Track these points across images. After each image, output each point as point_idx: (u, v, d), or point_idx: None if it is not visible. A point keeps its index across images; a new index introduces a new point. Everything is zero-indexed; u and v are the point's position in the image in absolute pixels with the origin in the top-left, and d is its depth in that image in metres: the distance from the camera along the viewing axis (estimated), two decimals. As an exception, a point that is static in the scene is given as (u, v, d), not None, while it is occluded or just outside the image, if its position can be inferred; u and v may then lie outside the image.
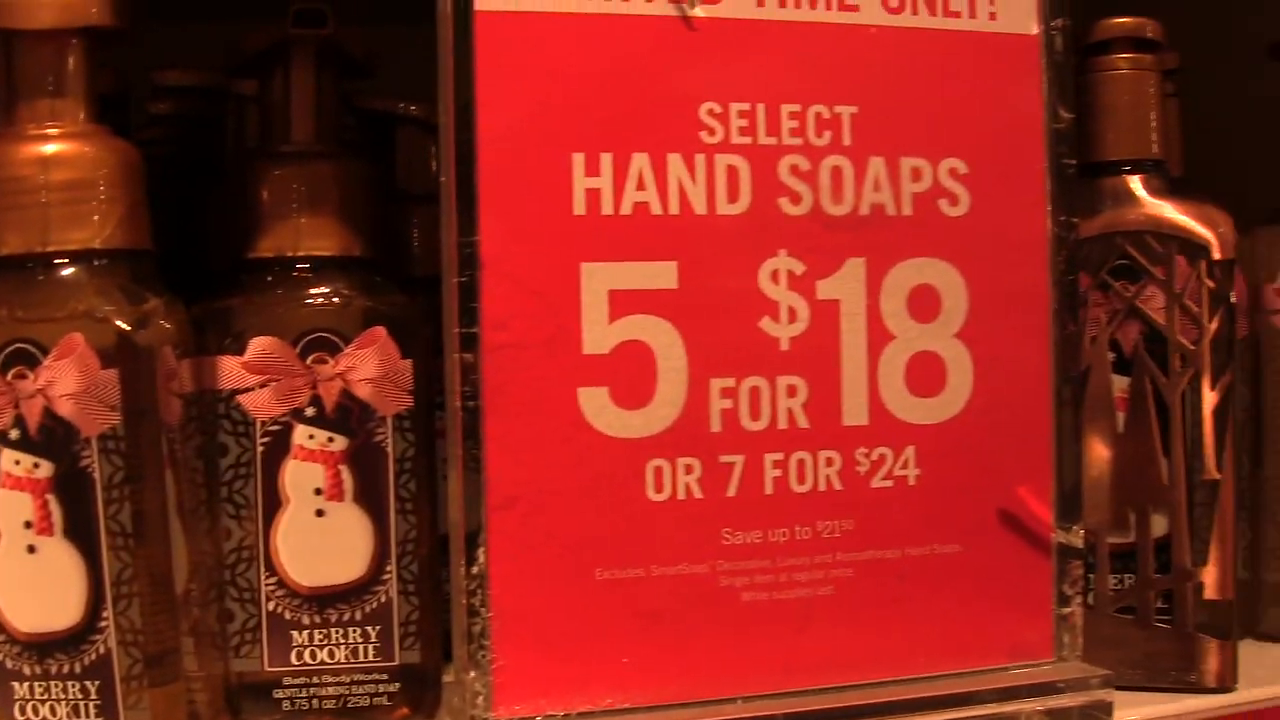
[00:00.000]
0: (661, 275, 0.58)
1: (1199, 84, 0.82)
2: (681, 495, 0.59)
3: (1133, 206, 0.69)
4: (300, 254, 0.62)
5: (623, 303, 0.58)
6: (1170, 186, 0.70)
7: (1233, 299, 0.67)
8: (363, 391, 0.61)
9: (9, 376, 0.54)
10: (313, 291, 0.62)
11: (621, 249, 0.58)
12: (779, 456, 0.60)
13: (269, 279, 0.62)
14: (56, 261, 0.55)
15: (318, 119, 0.63)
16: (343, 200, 0.62)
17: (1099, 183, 0.69)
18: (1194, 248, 0.67)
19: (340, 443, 0.61)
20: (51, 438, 0.54)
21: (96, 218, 0.55)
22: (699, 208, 0.58)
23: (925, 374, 0.62)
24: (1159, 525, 0.68)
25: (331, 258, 0.62)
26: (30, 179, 0.55)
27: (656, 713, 0.58)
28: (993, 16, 0.62)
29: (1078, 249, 0.66)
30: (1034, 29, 0.63)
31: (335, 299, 0.61)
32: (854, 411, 0.61)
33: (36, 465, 0.54)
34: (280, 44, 0.62)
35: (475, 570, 0.56)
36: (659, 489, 0.58)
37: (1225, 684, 0.67)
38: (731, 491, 0.59)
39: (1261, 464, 0.78)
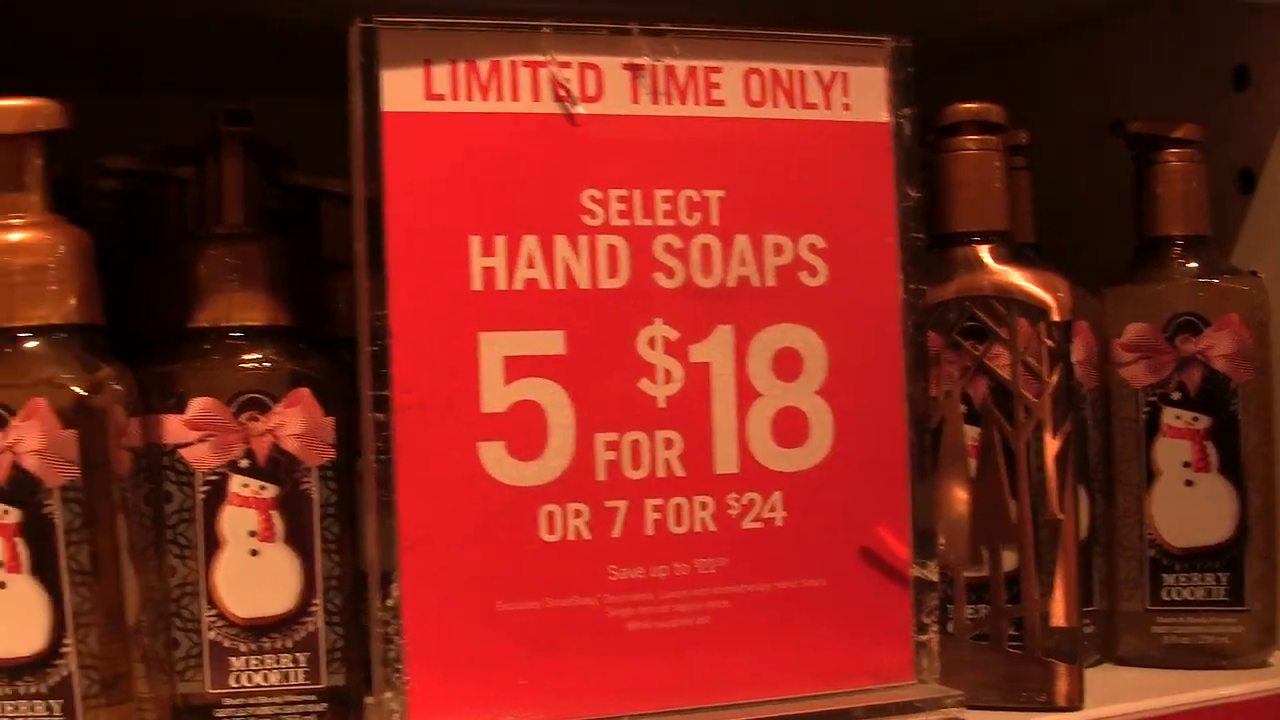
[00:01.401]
0: (550, 342, 0.69)
1: (1054, 159, 0.92)
2: (571, 536, 0.69)
3: (981, 273, 0.79)
4: (233, 324, 0.72)
5: (516, 367, 0.68)
6: (1015, 254, 0.80)
7: (1072, 356, 0.78)
8: (290, 445, 0.71)
9: (-21, 436, 0.64)
10: (245, 357, 0.72)
11: (515, 320, 0.68)
12: (658, 501, 0.70)
13: (206, 346, 0.72)
14: (20, 335, 0.65)
15: (246, 203, 0.74)
16: (270, 275, 0.73)
17: (952, 252, 0.80)
18: (1035, 311, 0.77)
19: (271, 490, 0.71)
20: (19, 488, 0.63)
21: (55, 297, 0.65)
22: (583, 282, 0.69)
23: (790, 427, 0.72)
24: (1009, 560, 0.78)
25: (261, 327, 0.73)
26: (-1, 265, 0.65)
27: (551, 729, 0.69)
28: (846, 107, 0.74)
29: (932, 312, 0.77)
30: (884, 117, 0.74)
31: (265, 364, 0.72)
32: (725, 461, 0.71)
33: (5, 512, 0.63)
34: (212, 139, 0.73)
35: (390, 603, 0.66)
36: (551, 531, 0.69)
37: (1073, 703, 0.77)
38: (616, 533, 0.70)
39: (1114, 502, 0.88)
